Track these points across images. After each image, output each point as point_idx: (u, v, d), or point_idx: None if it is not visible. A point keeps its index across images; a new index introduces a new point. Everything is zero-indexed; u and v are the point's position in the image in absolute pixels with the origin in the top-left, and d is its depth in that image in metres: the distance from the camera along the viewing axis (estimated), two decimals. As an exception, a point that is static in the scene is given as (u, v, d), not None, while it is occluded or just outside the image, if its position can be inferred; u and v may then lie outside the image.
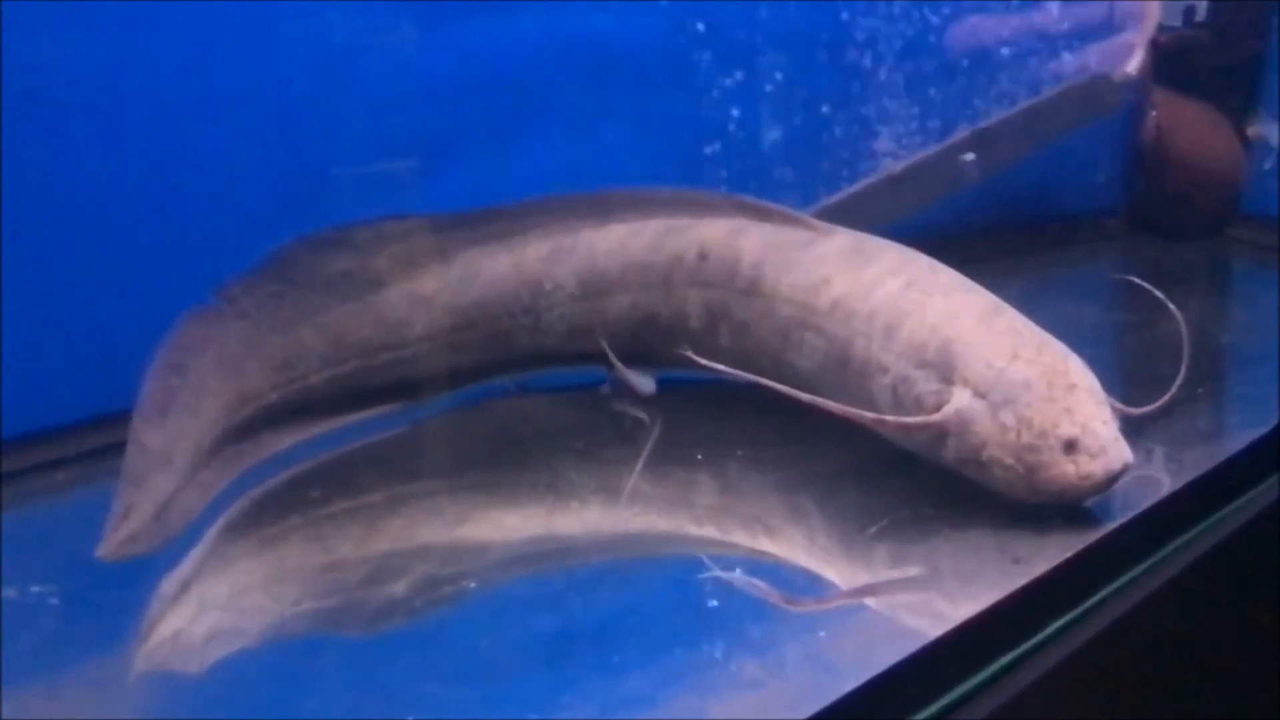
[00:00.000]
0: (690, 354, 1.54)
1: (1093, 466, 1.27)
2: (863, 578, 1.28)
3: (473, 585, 1.29)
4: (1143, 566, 1.31)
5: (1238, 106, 2.32)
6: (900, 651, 1.07)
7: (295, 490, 1.51)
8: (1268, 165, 2.27)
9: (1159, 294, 1.52)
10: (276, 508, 1.48)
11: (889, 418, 1.38)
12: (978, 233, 2.10)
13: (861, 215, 1.63)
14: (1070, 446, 1.27)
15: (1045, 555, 1.23)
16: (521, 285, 1.64)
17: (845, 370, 1.45)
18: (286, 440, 1.54)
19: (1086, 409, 1.29)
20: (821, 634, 1.16)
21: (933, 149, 2.12)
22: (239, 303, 1.50)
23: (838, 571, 1.30)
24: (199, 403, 1.43)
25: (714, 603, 1.24)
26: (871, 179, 2.08)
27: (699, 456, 1.52)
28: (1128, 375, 1.39)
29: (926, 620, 1.16)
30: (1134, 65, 2.23)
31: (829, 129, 2.07)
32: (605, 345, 1.66)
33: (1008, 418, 1.29)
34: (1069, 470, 1.27)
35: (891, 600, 1.24)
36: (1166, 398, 1.42)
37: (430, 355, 1.63)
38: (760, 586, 1.23)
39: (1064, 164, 2.26)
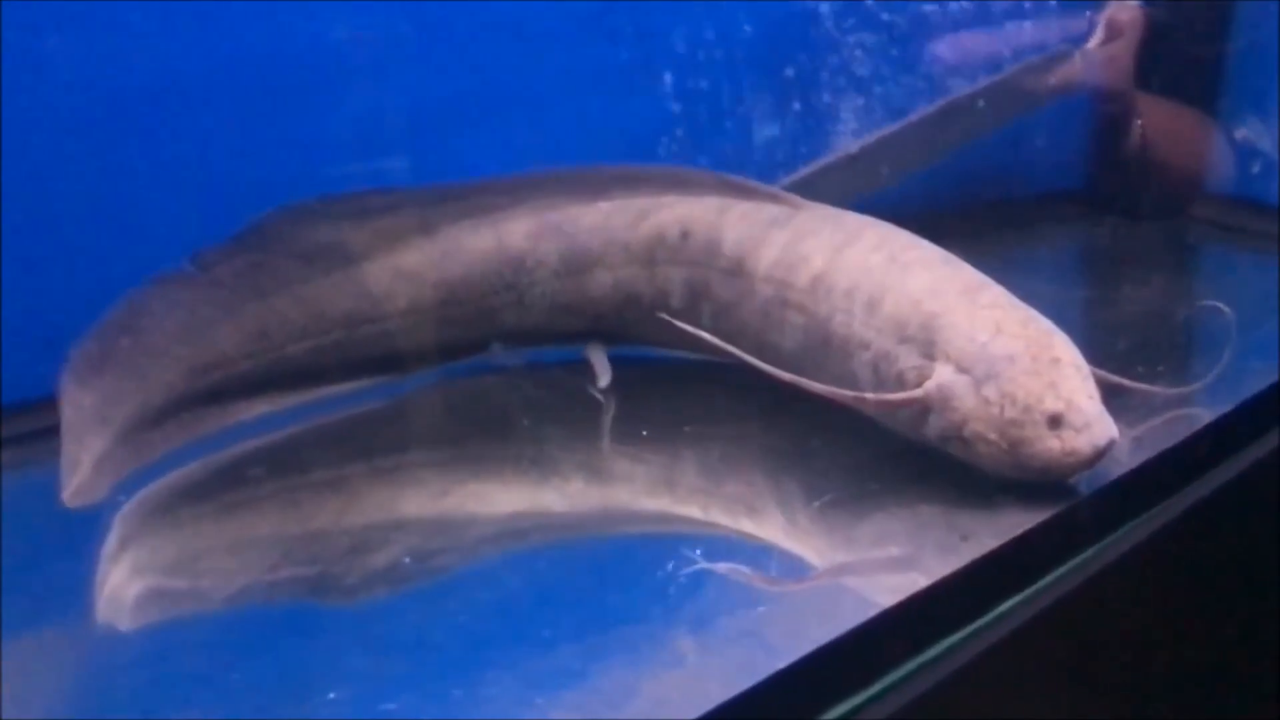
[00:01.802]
0: (673, 319, 1.51)
1: (1078, 442, 1.26)
2: (810, 554, 1.27)
3: (409, 560, 1.27)
4: (1097, 546, 1.29)
5: (1200, 84, 2.31)
6: (838, 628, 1.05)
7: (271, 458, 1.51)
8: (1256, 169, 2.24)
9: (1227, 309, 1.54)
10: (250, 474, 1.47)
11: (870, 395, 1.36)
12: (939, 211, 2.05)
13: (819, 194, 1.60)
14: (1055, 421, 1.25)
15: (994, 532, 1.22)
16: (504, 262, 1.63)
17: (826, 348, 1.43)
18: (261, 409, 1.54)
19: (1071, 384, 1.28)
20: (760, 609, 1.14)
21: (891, 127, 2.10)
22: (214, 270, 1.50)
23: (786, 546, 1.29)
24: (152, 364, 1.43)
25: (660, 578, 1.22)
26: (829, 158, 2.06)
27: (644, 433, 1.51)
28: (1092, 351, 1.36)
29: (867, 597, 1.14)
30: (1095, 42, 2.20)
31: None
32: (587, 325, 1.66)
33: (991, 392, 1.27)
34: (1054, 446, 1.25)
35: (833, 576, 1.22)
36: (1211, 377, 1.44)
37: (413, 330, 1.62)
38: (742, 571, 1.21)
39: (1025, 142, 2.25)
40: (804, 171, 2.02)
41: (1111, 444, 1.28)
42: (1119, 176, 2.32)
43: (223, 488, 1.45)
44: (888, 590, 1.13)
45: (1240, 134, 2.26)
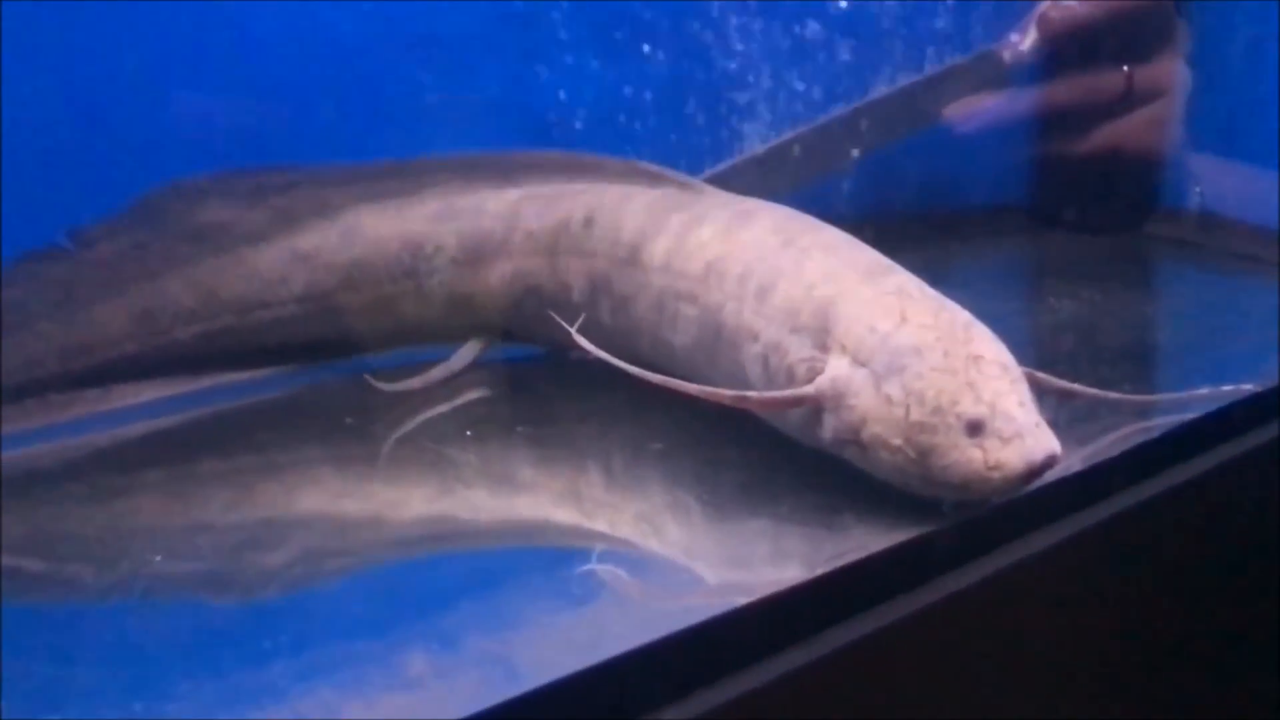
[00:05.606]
0: (573, 331, 1.30)
1: (1005, 454, 1.08)
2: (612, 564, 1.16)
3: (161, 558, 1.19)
4: (942, 580, 1.12)
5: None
6: (598, 656, 0.92)
7: (155, 445, 1.45)
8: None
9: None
10: (131, 460, 1.41)
11: (751, 394, 1.21)
12: (871, 220, 1.98)
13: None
14: (975, 428, 1.09)
15: (813, 561, 1.06)
16: (404, 246, 1.55)
17: (717, 340, 1.31)
18: (146, 394, 1.49)
19: (996, 385, 1.11)
20: (526, 630, 1.01)
21: (803, 128, 2.00)
22: (95, 247, 1.44)
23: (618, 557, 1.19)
24: (8, 341, 1.37)
25: (444, 590, 1.13)
26: (735, 159, 1.97)
27: (468, 433, 1.46)
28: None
29: (635, 623, 1.00)
30: (1027, 43, 2.12)
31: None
32: (487, 320, 1.58)
33: (894, 390, 1.11)
34: (974, 457, 1.08)
35: (621, 593, 1.10)
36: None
37: (310, 317, 1.55)
38: (622, 577, 1.11)
39: (962, 152, 2.15)
40: (708, 174, 1.93)
41: (1052, 460, 1.10)
42: (1068, 192, 2.26)
43: (96, 471, 1.39)
44: (653, 619, 1.00)
45: None
